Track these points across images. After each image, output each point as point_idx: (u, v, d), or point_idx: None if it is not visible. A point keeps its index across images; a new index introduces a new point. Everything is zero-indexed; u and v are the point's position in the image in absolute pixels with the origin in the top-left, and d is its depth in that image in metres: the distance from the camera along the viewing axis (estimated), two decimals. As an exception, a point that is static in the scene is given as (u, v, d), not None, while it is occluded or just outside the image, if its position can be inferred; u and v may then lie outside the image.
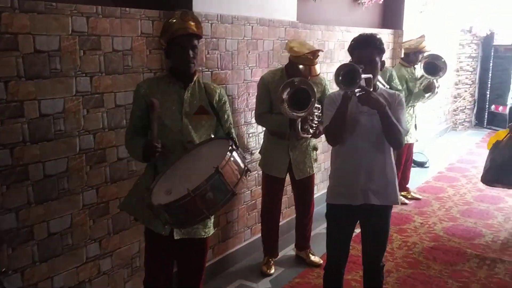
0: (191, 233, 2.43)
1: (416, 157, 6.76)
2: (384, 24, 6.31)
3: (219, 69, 3.29)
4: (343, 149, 2.53)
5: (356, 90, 2.25)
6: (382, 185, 2.51)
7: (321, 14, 4.86)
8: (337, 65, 4.77)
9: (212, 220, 2.55)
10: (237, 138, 3.48)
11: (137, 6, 2.83)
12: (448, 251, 3.94)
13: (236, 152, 2.13)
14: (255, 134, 3.72)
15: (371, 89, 2.34)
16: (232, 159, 2.07)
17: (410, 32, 6.36)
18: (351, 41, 2.53)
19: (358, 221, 2.65)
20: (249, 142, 3.69)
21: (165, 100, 2.36)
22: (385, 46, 5.86)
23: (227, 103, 2.55)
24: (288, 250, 3.95)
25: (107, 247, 2.81)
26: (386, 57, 6.17)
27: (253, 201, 3.82)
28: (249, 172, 2.17)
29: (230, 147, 2.09)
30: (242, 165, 2.13)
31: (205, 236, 2.49)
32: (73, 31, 2.47)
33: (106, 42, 2.64)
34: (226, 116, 2.53)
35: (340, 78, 2.19)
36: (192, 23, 2.32)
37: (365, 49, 2.43)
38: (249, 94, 3.59)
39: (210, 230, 2.52)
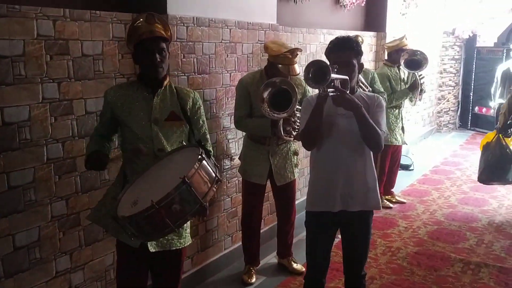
0: (166, 244, 2.33)
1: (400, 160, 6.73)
2: (366, 27, 6.28)
3: (196, 73, 3.19)
4: (320, 153, 2.46)
5: (331, 90, 2.17)
6: (362, 190, 2.44)
7: (302, 16, 4.80)
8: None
9: (188, 229, 2.46)
10: (216, 144, 3.42)
11: (109, 9, 2.73)
12: (432, 256, 3.88)
13: (207, 161, 2.04)
14: (234, 140, 3.63)
15: (348, 91, 2.27)
16: (201, 168, 1.98)
17: (393, 34, 6.35)
18: (328, 44, 2.47)
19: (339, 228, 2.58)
20: (228, 148, 3.60)
21: (133, 107, 2.26)
22: (368, 49, 5.82)
23: (202, 108, 2.45)
24: (270, 258, 3.86)
25: (79, 260, 2.69)
26: (369, 59, 6.14)
27: (234, 208, 3.72)
28: (220, 182, 2.08)
29: (199, 156, 2.00)
30: (213, 174, 2.04)
31: (180, 247, 2.39)
32: (39, 35, 2.36)
33: (74, 46, 2.53)
34: (201, 122, 2.43)
35: (310, 75, 2.11)
36: (159, 26, 2.22)
37: (342, 52, 2.38)
38: (227, 99, 3.50)
39: (186, 240, 2.43)
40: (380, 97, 2.50)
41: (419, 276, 3.56)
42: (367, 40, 6.02)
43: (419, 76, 4.80)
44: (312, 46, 4.79)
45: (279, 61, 3.08)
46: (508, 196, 5.44)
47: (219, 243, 3.64)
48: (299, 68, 3.22)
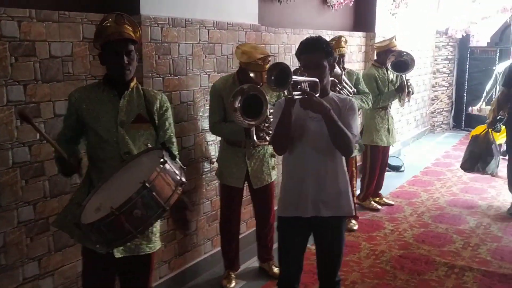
0: (134, 250, 2.27)
1: (391, 161, 6.67)
2: (355, 27, 6.22)
3: (172, 75, 3.13)
4: (291, 157, 2.41)
5: (297, 93, 2.12)
6: (334, 195, 2.39)
7: (287, 17, 4.74)
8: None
9: (158, 234, 2.39)
10: (194, 146, 3.37)
11: (79, 9, 2.67)
12: (416, 259, 3.82)
13: (170, 164, 1.99)
14: (214, 142, 3.57)
15: (317, 94, 2.21)
16: (164, 171, 1.93)
17: (382, 34, 6.29)
18: (298, 45, 2.43)
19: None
20: (207, 151, 3.54)
21: (99, 109, 2.21)
22: (357, 49, 5.75)
23: (170, 110, 2.38)
24: (252, 262, 3.80)
25: (48, 266, 2.63)
26: (359, 60, 6.09)
27: (214, 212, 3.66)
28: (184, 185, 2.03)
29: (161, 159, 1.94)
30: (177, 177, 1.99)
31: (149, 252, 2.33)
32: (3, 36, 2.30)
33: (42, 47, 2.48)
34: (167, 125, 2.37)
35: (273, 78, 2.05)
36: (128, 27, 2.17)
37: (311, 53, 2.33)
38: (206, 100, 3.44)
39: (155, 244, 2.36)
40: (352, 99, 2.45)
41: (401, 280, 3.50)
42: (356, 41, 5.98)
43: (406, 80, 4.74)
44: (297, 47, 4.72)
45: (250, 68, 3.02)
46: (497, 198, 5.38)
47: (199, 247, 3.58)
48: None
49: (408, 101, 5.02)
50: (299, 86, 2.11)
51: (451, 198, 5.40)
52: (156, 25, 2.97)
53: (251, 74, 3.01)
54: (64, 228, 2.30)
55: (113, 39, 2.14)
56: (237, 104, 2.87)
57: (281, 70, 2.02)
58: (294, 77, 2.06)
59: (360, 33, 6.09)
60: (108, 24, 2.16)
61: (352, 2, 5.81)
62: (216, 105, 3.16)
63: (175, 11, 3.10)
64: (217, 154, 3.54)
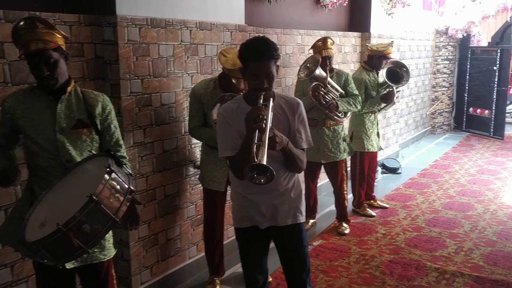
0: (87, 259, 2.16)
1: (388, 163, 6.57)
2: (350, 27, 6.12)
3: (151, 76, 3.07)
4: None
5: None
6: (290, 203, 2.32)
7: (277, 17, 4.67)
8: (295, 70, 4.53)
9: (112, 239, 2.28)
10: (177, 149, 3.30)
11: (52, 10, 2.61)
12: (407, 264, 3.72)
13: (117, 172, 1.91)
14: (198, 145, 3.50)
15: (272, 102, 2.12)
16: (111, 181, 1.86)
17: (378, 34, 6.21)
18: (243, 48, 2.15)
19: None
20: (191, 154, 3.47)
21: (35, 116, 2.07)
22: (352, 49, 5.61)
23: (113, 112, 2.26)
24: (239, 267, 3.72)
25: (21, 272, 2.58)
26: (354, 60, 6.00)
27: (199, 216, 3.59)
28: (134, 193, 1.95)
29: (108, 168, 1.86)
30: (125, 185, 1.91)
31: (104, 260, 2.23)
32: (-31, 38, 2.25)
33: (11, 49, 2.41)
34: (112, 128, 2.25)
35: (261, 182, 1.96)
36: (43, 31, 1.99)
37: (262, 62, 2.08)
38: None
39: (110, 251, 2.26)
40: (300, 102, 2.29)
41: (390, 286, 3.40)
42: (351, 41, 5.89)
43: (396, 90, 4.62)
44: (288, 47, 4.65)
45: (233, 74, 2.93)
46: (494, 200, 5.27)
47: (183, 252, 3.50)
48: None
49: (385, 110, 4.93)
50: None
51: (447, 201, 5.28)
52: (134, 25, 2.90)
53: (234, 81, 2.93)
54: (7, 242, 2.20)
55: (29, 51, 1.97)
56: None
57: (263, 169, 1.94)
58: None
59: (355, 34, 5.99)
60: (21, 32, 1.99)
61: (346, 2, 5.71)
62: (195, 110, 3.10)
63: (154, 11, 3.03)
64: (200, 157, 3.47)
